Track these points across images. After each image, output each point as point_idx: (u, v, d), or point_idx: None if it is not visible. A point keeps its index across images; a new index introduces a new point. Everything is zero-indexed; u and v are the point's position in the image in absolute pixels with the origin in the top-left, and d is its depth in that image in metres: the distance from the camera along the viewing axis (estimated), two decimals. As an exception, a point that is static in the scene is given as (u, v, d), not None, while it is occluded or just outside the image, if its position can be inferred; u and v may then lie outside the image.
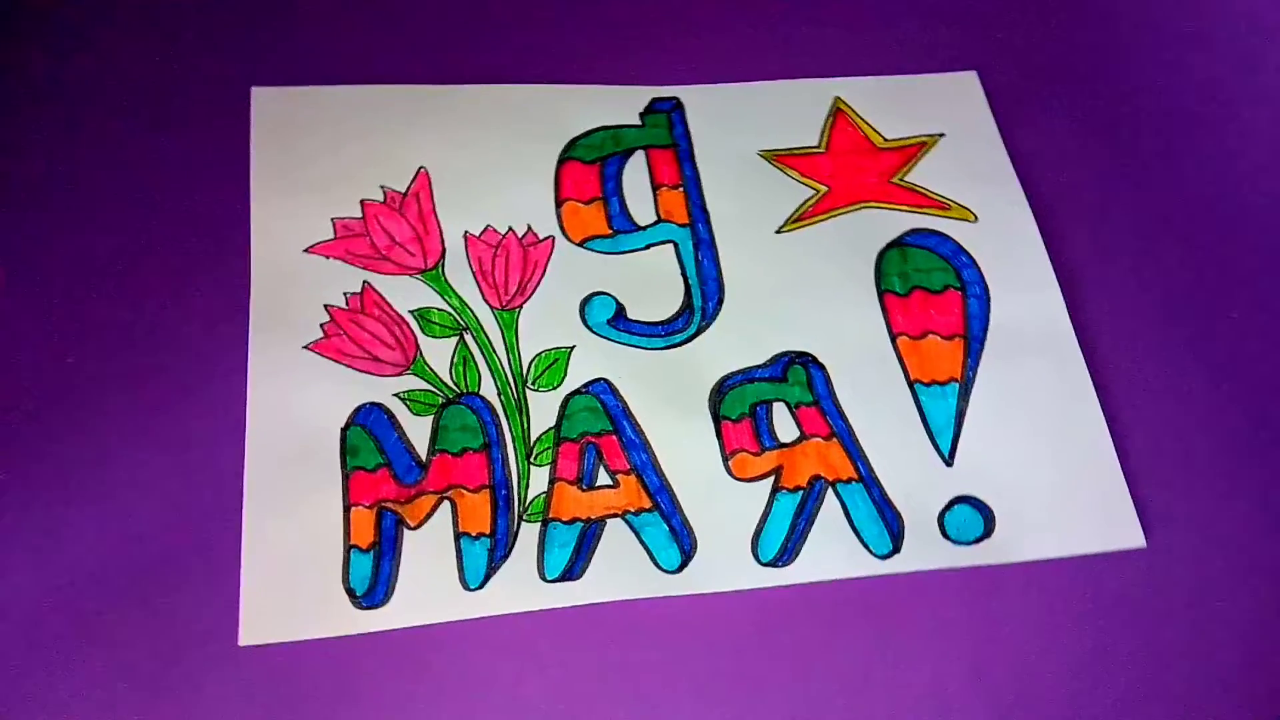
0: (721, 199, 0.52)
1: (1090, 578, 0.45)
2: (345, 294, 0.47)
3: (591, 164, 0.53)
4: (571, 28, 0.57)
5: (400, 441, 0.45)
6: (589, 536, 0.43)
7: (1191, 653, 0.44)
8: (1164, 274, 0.53)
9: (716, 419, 0.46)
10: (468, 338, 0.47)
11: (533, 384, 0.46)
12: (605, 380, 0.47)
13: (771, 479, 0.45)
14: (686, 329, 0.49)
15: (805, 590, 0.43)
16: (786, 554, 0.44)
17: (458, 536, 0.43)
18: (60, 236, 0.48)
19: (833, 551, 0.44)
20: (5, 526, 0.42)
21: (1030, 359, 0.49)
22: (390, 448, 0.44)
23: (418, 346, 0.47)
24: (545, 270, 0.49)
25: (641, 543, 0.44)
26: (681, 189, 0.52)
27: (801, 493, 0.45)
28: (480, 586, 0.42)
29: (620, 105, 0.55)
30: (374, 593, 0.41)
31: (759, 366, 0.48)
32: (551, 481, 0.44)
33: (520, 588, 0.42)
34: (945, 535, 0.45)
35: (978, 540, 0.45)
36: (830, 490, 0.45)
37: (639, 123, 0.54)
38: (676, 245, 0.51)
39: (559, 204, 0.51)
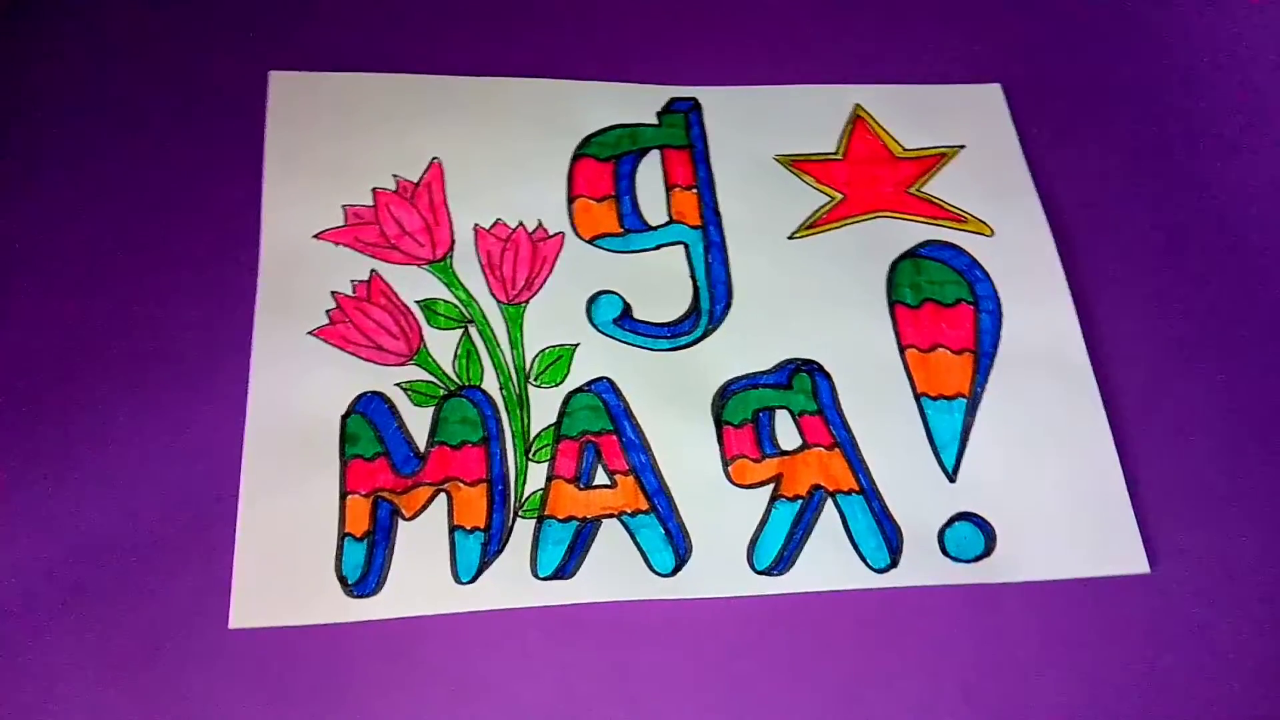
0: (735, 202, 0.52)
1: (1091, 602, 0.44)
2: (352, 281, 0.47)
3: (606, 161, 0.52)
4: (592, 24, 0.57)
5: (399, 431, 0.44)
6: (584, 536, 0.43)
7: (1190, 684, 0.43)
8: (1183, 300, 0.52)
9: (718, 423, 0.46)
10: (472, 331, 0.47)
11: (535, 380, 0.46)
12: (608, 379, 0.47)
13: (771, 486, 0.45)
14: (693, 331, 0.48)
15: (800, 600, 0.43)
16: (782, 563, 0.43)
17: (452, 529, 0.43)
18: (72, 215, 0.48)
19: (829, 562, 0.44)
20: (2, 505, 0.42)
21: (1040, 378, 0.48)
22: (389, 437, 0.44)
23: (422, 337, 0.47)
24: (554, 266, 0.49)
25: (636, 544, 0.43)
26: (695, 190, 0.52)
27: (801, 502, 0.45)
28: (472, 580, 0.42)
29: (638, 103, 0.54)
30: (366, 581, 0.41)
31: (764, 372, 0.48)
32: (549, 479, 0.44)
33: (512, 584, 0.42)
34: (945, 552, 0.44)
35: (978, 558, 0.44)
36: (830, 501, 0.45)
37: (656, 122, 0.54)
38: (687, 247, 0.51)
39: (571, 200, 0.51)
